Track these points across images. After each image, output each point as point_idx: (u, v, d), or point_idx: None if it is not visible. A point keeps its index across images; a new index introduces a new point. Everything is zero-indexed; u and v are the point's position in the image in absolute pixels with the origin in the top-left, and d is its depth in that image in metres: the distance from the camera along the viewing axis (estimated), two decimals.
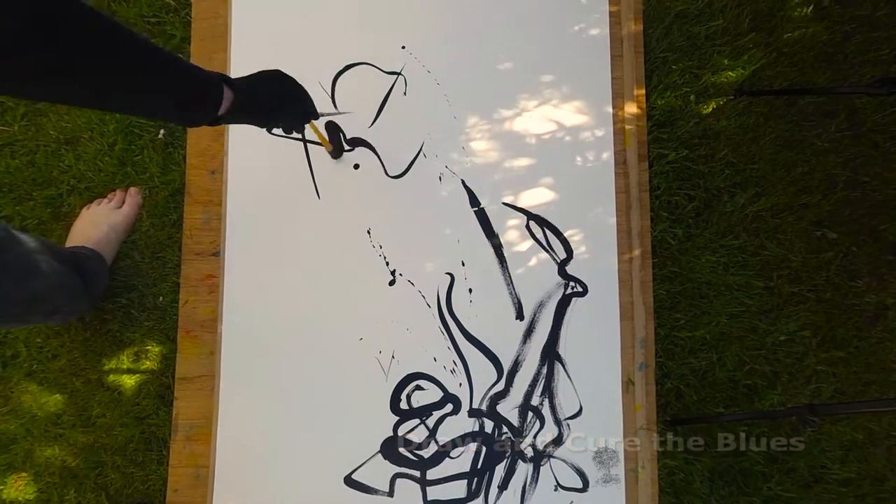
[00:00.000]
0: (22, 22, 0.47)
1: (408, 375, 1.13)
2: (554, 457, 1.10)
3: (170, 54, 0.65)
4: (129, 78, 0.59)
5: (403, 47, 1.19)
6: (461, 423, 1.11)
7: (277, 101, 0.84)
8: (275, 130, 1.18)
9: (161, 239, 1.20)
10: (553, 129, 1.16)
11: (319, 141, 1.10)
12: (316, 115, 0.95)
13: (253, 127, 1.18)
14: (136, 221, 1.20)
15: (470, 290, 1.14)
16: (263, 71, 0.85)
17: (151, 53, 0.62)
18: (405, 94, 1.18)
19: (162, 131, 1.22)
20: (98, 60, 0.55)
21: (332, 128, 1.18)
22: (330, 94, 1.19)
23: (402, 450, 1.11)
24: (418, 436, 1.11)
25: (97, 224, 1.16)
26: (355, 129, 1.18)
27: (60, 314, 1.08)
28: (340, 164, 1.17)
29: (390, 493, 1.10)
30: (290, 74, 0.89)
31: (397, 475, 1.11)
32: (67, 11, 0.51)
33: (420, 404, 1.12)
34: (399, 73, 1.18)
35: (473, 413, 1.11)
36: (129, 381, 1.19)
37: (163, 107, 0.66)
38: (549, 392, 1.11)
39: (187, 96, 0.67)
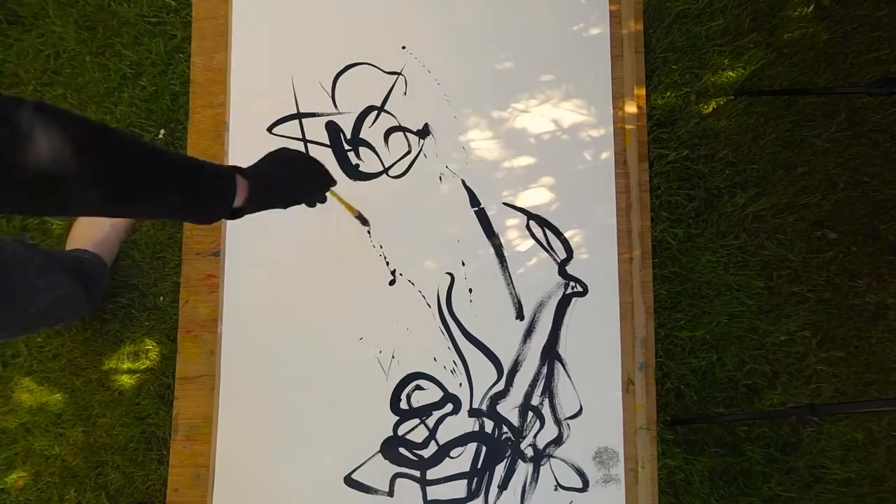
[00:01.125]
0: (28, 189, 0.48)
1: (408, 375, 1.13)
2: (554, 457, 1.10)
3: (177, 155, 0.63)
4: (138, 188, 0.58)
5: (403, 47, 1.19)
6: (461, 423, 1.11)
7: (293, 182, 0.82)
8: (276, 130, 1.19)
9: (161, 239, 1.20)
10: (553, 129, 1.16)
11: (346, 209, 1.06)
12: (334, 182, 0.92)
13: (253, 126, 1.19)
14: (136, 222, 1.20)
15: (470, 290, 1.14)
16: (272, 153, 0.83)
17: (159, 159, 0.61)
18: (405, 94, 1.18)
19: (162, 131, 1.22)
20: (108, 180, 0.54)
21: (333, 128, 1.18)
22: (330, 94, 1.19)
23: (402, 450, 1.11)
24: (418, 436, 1.11)
25: (98, 224, 1.16)
26: (356, 129, 1.18)
27: (63, 321, 1.09)
28: (340, 168, 1.17)
29: (390, 493, 1.10)
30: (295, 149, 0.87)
31: (397, 475, 1.11)
32: (74, 158, 0.50)
33: (420, 404, 1.12)
34: (399, 73, 1.18)
35: (473, 413, 1.11)
36: (129, 381, 1.19)
37: (176, 208, 0.65)
38: (549, 392, 1.11)
39: (200, 194, 0.66)
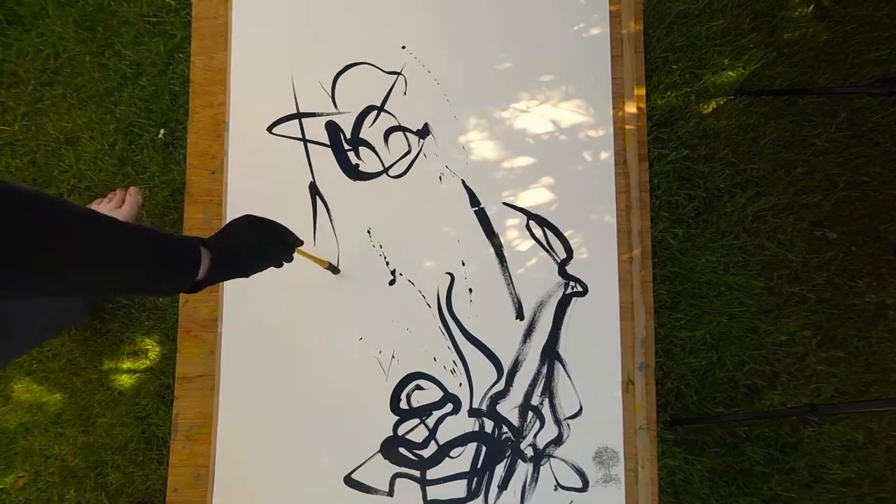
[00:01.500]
0: None
1: (408, 375, 1.13)
2: (554, 456, 1.10)
3: (136, 229, 0.60)
4: (88, 265, 0.54)
5: (403, 47, 1.19)
6: (461, 423, 1.11)
7: (258, 251, 0.80)
8: (276, 130, 1.19)
9: None
10: (553, 129, 1.16)
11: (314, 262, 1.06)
12: (300, 243, 0.91)
13: (253, 126, 1.19)
14: (136, 221, 1.20)
15: (470, 290, 1.14)
16: (235, 221, 0.80)
17: (110, 232, 0.57)
18: (405, 94, 1.18)
19: (162, 131, 1.22)
20: (53, 257, 0.50)
21: (333, 127, 1.18)
22: (330, 93, 1.19)
23: (401, 449, 1.11)
24: (418, 436, 1.11)
25: None
26: (355, 128, 1.18)
27: (64, 329, 1.09)
28: (340, 168, 1.17)
29: (390, 493, 1.10)
30: (255, 214, 0.84)
31: (397, 475, 1.11)
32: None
33: (420, 404, 1.12)
34: (399, 73, 1.18)
35: (473, 413, 1.11)
36: (129, 381, 1.19)
37: (134, 284, 0.61)
38: (549, 392, 1.11)
39: (160, 266, 0.62)
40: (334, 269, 1.11)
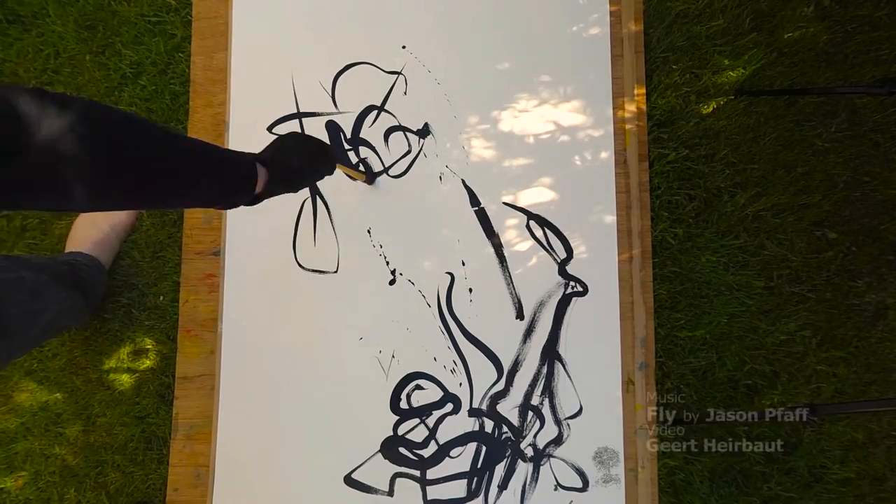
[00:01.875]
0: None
1: (408, 375, 1.13)
2: (554, 456, 1.10)
3: (199, 146, 0.65)
4: (170, 179, 0.60)
5: (404, 47, 1.19)
6: (461, 423, 1.11)
7: (308, 166, 0.85)
8: (276, 130, 1.19)
9: (161, 238, 1.20)
10: (553, 128, 1.16)
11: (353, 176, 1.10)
12: (341, 159, 0.94)
13: (253, 126, 1.19)
14: (136, 221, 1.20)
15: (470, 290, 1.14)
16: (283, 138, 0.84)
17: (185, 154, 0.62)
18: (405, 93, 1.18)
19: None
20: (142, 170, 0.56)
21: (333, 127, 1.18)
22: (330, 93, 1.19)
23: (401, 449, 1.11)
24: (418, 435, 1.11)
25: (98, 224, 1.16)
26: (356, 128, 1.18)
27: (64, 329, 1.09)
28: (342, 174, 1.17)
29: (390, 493, 1.10)
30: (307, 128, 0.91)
31: (397, 474, 1.11)
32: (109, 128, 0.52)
33: (420, 404, 1.12)
34: (399, 73, 1.18)
35: (473, 413, 1.11)
36: (129, 381, 1.19)
37: (201, 200, 0.67)
38: (549, 392, 1.11)
39: (224, 185, 0.68)
40: (371, 180, 1.14)
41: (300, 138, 0.86)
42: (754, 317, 1.15)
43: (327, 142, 0.91)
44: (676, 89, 1.17)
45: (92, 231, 1.15)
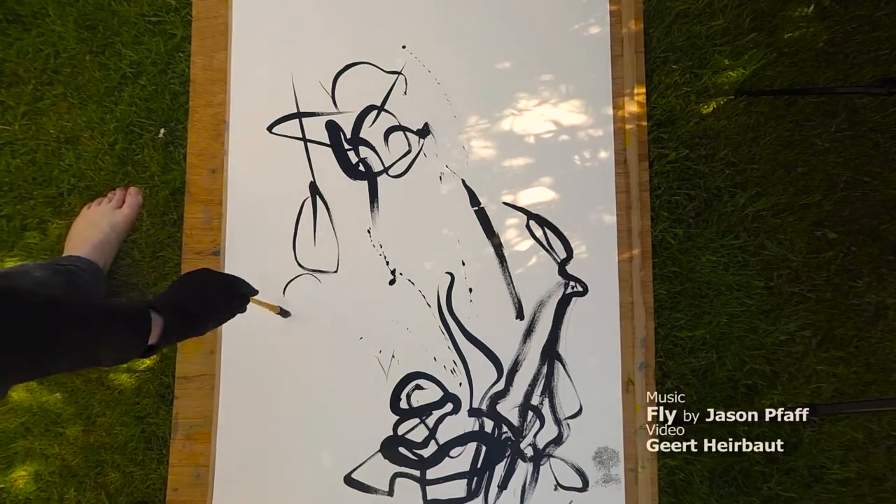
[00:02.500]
0: None
1: (408, 375, 1.13)
2: (554, 456, 1.10)
3: (78, 304, 0.59)
4: (31, 352, 0.54)
5: (404, 47, 1.19)
6: (461, 423, 1.11)
7: (210, 309, 0.79)
8: (276, 130, 1.19)
9: (161, 238, 1.20)
10: (553, 128, 1.16)
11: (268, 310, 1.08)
12: (254, 293, 0.90)
13: (253, 126, 1.19)
14: (136, 221, 1.20)
15: (470, 290, 1.14)
16: (183, 279, 0.79)
17: (54, 315, 0.57)
18: (405, 93, 1.18)
19: (162, 130, 1.22)
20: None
21: (333, 127, 1.18)
22: (330, 93, 1.19)
23: (401, 449, 1.11)
24: (418, 435, 1.11)
25: (97, 224, 1.16)
26: (356, 128, 1.18)
27: None
28: (340, 168, 1.17)
29: (390, 493, 1.10)
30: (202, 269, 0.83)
31: (397, 474, 1.11)
32: None
33: (420, 404, 1.12)
34: (399, 73, 1.18)
35: (473, 412, 1.11)
36: (129, 380, 1.19)
37: (79, 362, 0.61)
38: (549, 391, 1.11)
39: (110, 340, 0.62)
40: (285, 314, 1.11)
41: (206, 277, 0.80)
42: (754, 317, 1.15)
43: (235, 275, 0.87)
44: (676, 89, 1.17)
45: (92, 231, 1.15)
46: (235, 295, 0.84)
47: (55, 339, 0.56)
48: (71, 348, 0.58)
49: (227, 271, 1.16)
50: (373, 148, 1.17)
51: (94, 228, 1.15)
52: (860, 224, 1.17)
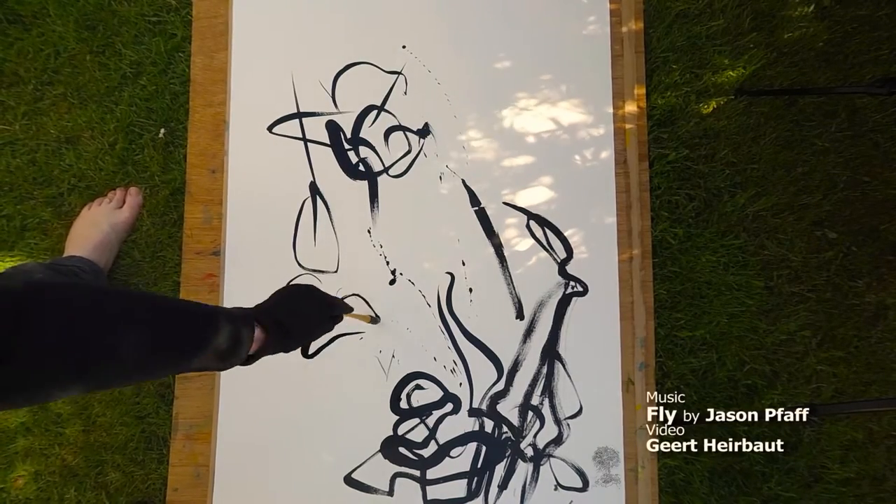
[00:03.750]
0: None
1: (408, 375, 1.13)
2: (554, 456, 1.10)
3: (198, 310, 0.61)
4: (169, 357, 0.57)
5: (404, 47, 1.19)
6: (461, 423, 1.11)
7: (309, 327, 0.79)
8: (276, 130, 1.19)
9: (161, 238, 1.20)
10: (553, 128, 1.16)
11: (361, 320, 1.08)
12: (349, 310, 0.89)
13: (253, 125, 1.19)
14: (136, 221, 1.20)
15: (470, 290, 1.14)
16: (286, 292, 0.79)
17: (186, 324, 0.58)
18: (405, 93, 1.18)
19: (162, 130, 1.22)
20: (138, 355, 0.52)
21: (333, 127, 1.18)
22: (330, 93, 1.19)
23: (401, 449, 1.11)
24: (418, 435, 1.11)
25: (98, 224, 1.16)
26: (356, 128, 1.18)
27: None
28: (340, 168, 1.17)
29: (390, 493, 1.10)
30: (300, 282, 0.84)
31: (397, 474, 1.11)
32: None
33: (420, 404, 1.12)
34: (399, 73, 1.18)
35: (473, 412, 1.11)
36: None
37: (199, 367, 0.62)
38: (549, 392, 1.11)
39: (221, 350, 0.63)
40: (376, 320, 1.12)
41: (305, 295, 0.79)
42: (754, 317, 1.15)
43: (334, 297, 0.86)
44: (676, 89, 1.17)
45: (92, 232, 1.15)
46: (330, 315, 0.84)
47: (181, 343, 0.58)
48: (196, 352, 0.59)
49: (226, 271, 1.17)
50: (373, 148, 1.17)
51: (94, 228, 1.15)
52: (860, 224, 1.17)
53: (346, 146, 1.18)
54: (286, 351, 0.76)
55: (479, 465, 1.10)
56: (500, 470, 1.10)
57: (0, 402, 0.47)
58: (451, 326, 1.13)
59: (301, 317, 0.77)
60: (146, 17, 1.24)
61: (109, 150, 1.23)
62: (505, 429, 1.11)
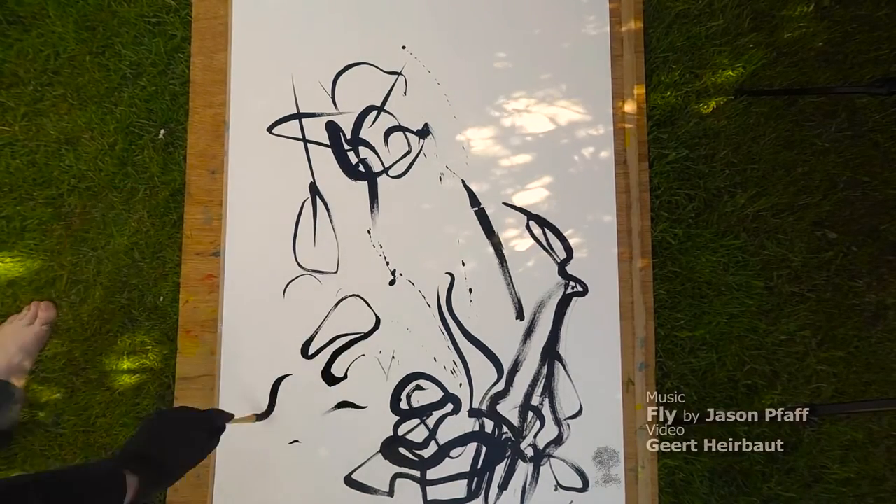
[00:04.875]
0: None
1: (408, 375, 1.13)
2: (554, 457, 1.10)
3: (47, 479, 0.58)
4: None
5: (403, 47, 1.19)
6: (461, 423, 1.11)
7: (187, 454, 0.75)
8: (276, 130, 1.19)
9: (161, 239, 1.20)
10: (553, 128, 1.16)
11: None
12: (230, 418, 0.87)
13: (253, 126, 1.19)
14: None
15: (470, 290, 1.14)
16: (153, 423, 0.74)
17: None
18: (405, 94, 1.18)
19: (162, 131, 1.22)
20: None
21: (333, 127, 1.18)
22: (330, 94, 1.19)
23: (402, 450, 1.11)
24: (418, 436, 1.11)
25: (5, 348, 1.17)
26: (355, 128, 1.18)
27: None
28: (340, 168, 1.17)
29: (390, 493, 1.10)
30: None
31: (397, 475, 1.11)
32: None
33: (420, 404, 1.12)
34: (399, 73, 1.18)
35: (473, 413, 1.11)
36: (129, 381, 1.19)
37: None
38: (549, 392, 1.11)
39: None
40: (263, 417, 1.12)
41: (176, 420, 0.75)
42: (754, 317, 1.15)
43: (207, 411, 0.82)
44: (676, 89, 1.17)
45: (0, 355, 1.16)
46: (211, 431, 0.81)
47: None
48: None
49: (227, 272, 1.16)
50: (373, 148, 1.17)
51: (2, 353, 1.16)
52: (860, 224, 1.17)
53: (346, 147, 1.18)
54: (170, 485, 0.72)
55: (479, 466, 1.10)
56: (500, 470, 1.10)
57: None
58: (451, 327, 1.13)
59: (177, 447, 0.73)
60: (146, 18, 1.24)
61: (109, 150, 1.23)
62: (505, 429, 1.11)
